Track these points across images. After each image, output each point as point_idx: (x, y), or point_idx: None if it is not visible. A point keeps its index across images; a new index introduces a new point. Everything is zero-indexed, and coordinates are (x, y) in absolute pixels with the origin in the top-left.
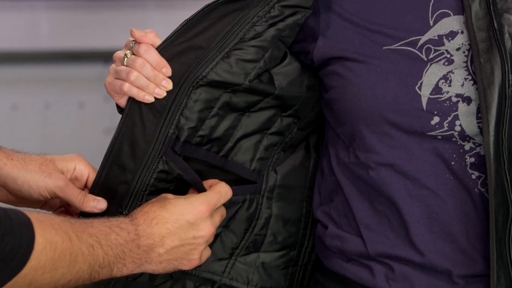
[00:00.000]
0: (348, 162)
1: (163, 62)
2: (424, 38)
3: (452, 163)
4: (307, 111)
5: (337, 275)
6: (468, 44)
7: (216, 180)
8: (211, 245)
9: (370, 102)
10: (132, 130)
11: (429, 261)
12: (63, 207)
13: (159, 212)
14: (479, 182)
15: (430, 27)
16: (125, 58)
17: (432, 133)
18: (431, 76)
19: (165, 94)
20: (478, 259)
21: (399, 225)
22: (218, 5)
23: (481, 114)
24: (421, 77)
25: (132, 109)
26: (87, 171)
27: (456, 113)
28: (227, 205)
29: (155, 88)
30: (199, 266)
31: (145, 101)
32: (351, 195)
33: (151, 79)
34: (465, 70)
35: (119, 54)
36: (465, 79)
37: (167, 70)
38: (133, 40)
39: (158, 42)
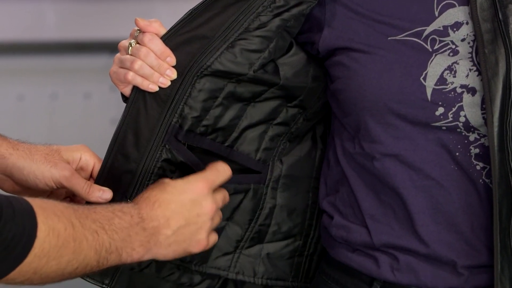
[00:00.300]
0: (353, 153)
1: (168, 51)
2: (429, 29)
3: (457, 154)
4: (313, 102)
5: (343, 265)
6: (473, 35)
7: (215, 162)
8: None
9: (375, 92)
10: (136, 119)
11: (434, 251)
12: (68, 198)
13: (160, 195)
14: (484, 173)
15: (435, 18)
16: (130, 47)
17: (437, 123)
18: (436, 67)
19: (169, 83)
20: (482, 250)
21: (403, 215)
22: None
23: (485, 105)
24: (426, 68)
25: (137, 98)
26: (92, 161)
27: (461, 104)
28: (231, 192)
29: (159, 77)
30: (206, 261)
31: (149, 90)
32: (357, 186)
33: (155, 68)
34: (470, 61)
35: (124, 43)
36: (470, 70)
37: (172, 59)
38: (138, 30)
39: (162, 31)
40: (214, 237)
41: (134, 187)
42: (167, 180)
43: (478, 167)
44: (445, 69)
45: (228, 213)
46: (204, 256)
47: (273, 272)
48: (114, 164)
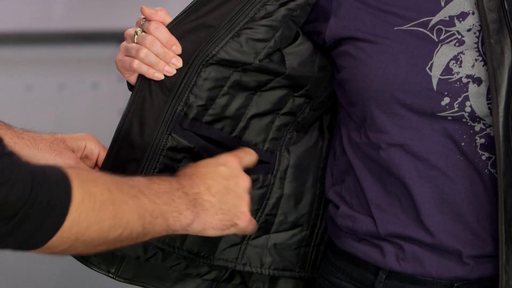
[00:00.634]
0: (359, 143)
1: (173, 39)
2: (435, 19)
3: (462, 144)
4: (319, 92)
5: (348, 255)
6: (479, 25)
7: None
8: None
9: (381, 82)
10: (141, 107)
11: (439, 241)
12: None
13: (195, 169)
14: (489, 163)
15: (441, 8)
16: (136, 36)
17: (443, 113)
18: (442, 57)
19: (174, 71)
20: (488, 240)
21: (409, 205)
22: None
23: (491, 95)
24: (431, 58)
25: (142, 87)
26: (97, 150)
27: (467, 94)
28: None
29: (164, 66)
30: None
31: (155, 78)
32: (363, 176)
33: (160, 56)
34: (476, 51)
35: (130, 31)
36: (476, 60)
37: (177, 47)
38: (143, 18)
39: (168, 20)
40: (255, 221)
41: (139, 175)
42: (197, 162)
43: (483, 157)
44: (451, 59)
45: None
46: (211, 247)
47: (280, 262)
48: (119, 153)
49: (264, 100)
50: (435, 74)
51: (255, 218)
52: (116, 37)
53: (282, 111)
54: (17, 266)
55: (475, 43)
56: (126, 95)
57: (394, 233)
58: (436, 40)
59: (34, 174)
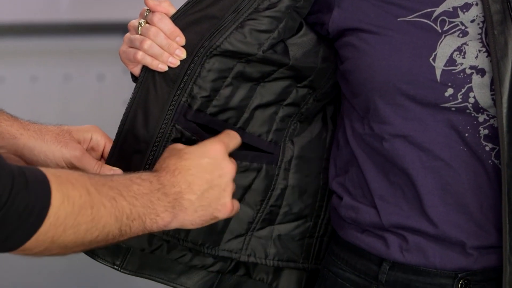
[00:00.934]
0: (362, 134)
1: (177, 31)
2: (438, 10)
3: (466, 135)
4: (323, 82)
5: (352, 246)
6: (483, 16)
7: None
8: (227, 221)
9: (385, 73)
10: (146, 98)
11: (443, 232)
12: None
13: (178, 162)
14: (493, 154)
15: None
16: (139, 27)
17: (446, 104)
18: (445, 48)
19: (178, 63)
20: (492, 231)
21: (413, 196)
22: None
23: (494, 86)
24: (435, 49)
25: (146, 78)
26: (103, 142)
27: (470, 85)
28: (243, 170)
29: (168, 57)
30: (218, 244)
31: (159, 70)
32: (366, 166)
33: (164, 47)
34: (480, 42)
35: (134, 23)
36: (479, 51)
37: (181, 39)
38: (147, 9)
39: (172, 11)
40: (237, 204)
41: (144, 167)
42: (181, 146)
43: (487, 148)
44: (455, 50)
45: (239, 194)
46: (216, 239)
47: (284, 253)
48: (124, 144)
49: (267, 91)
50: (439, 65)
51: (259, 209)
52: (121, 28)
53: (286, 102)
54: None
55: (478, 34)
56: (131, 86)
57: (398, 224)
58: (440, 31)
59: (14, 176)
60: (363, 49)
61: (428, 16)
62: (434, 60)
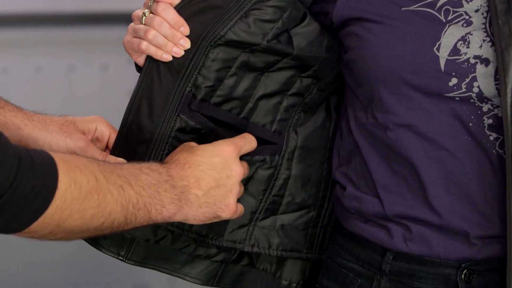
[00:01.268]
0: (366, 123)
1: (181, 21)
2: (442, 0)
3: (470, 124)
4: (327, 72)
5: (355, 236)
6: (487, 6)
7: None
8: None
9: (389, 63)
10: (150, 88)
11: (447, 222)
12: None
13: (190, 157)
14: (497, 143)
15: None
16: (144, 17)
17: (450, 94)
18: (450, 37)
19: (183, 53)
20: (495, 221)
21: (416, 186)
22: None
23: (498, 75)
24: (439, 39)
25: (150, 68)
26: (108, 132)
27: (474, 74)
28: (245, 160)
29: (173, 47)
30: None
31: (163, 60)
32: (369, 156)
33: (169, 37)
34: (484, 32)
35: (138, 12)
36: (484, 40)
37: (185, 29)
38: None
39: (176, 1)
40: (241, 207)
41: (148, 158)
42: (194, 144)
43: (491, 138)
44: (459, 40)
45: (243, 184)
46: (220, 229)
47: (288, 243)
48: (128, 135)
49: (272, 81)
50: (443, 54)
51: (262, 199)
52: (126, 19)
53: (290, 92)
54: (24, 246)
55: (482, 23)
56: (135, 76)
57: (401, 214)
58: (444, 20)
59: (20, 157)
60: (367, 39)
61: (432, 5)
62: (438, 49)
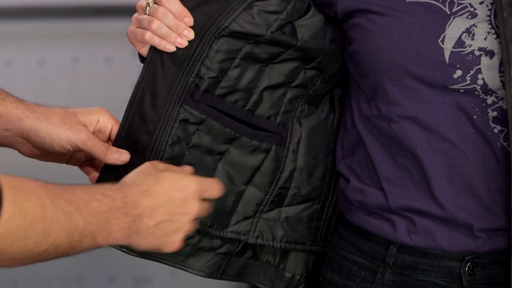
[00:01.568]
0: (370, 115)
1: (185, 11)
2: None
3: (475, 117)
4: (331, 64)
5: (359, 229)
6: None
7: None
8: (236, 203)
9: (393, 54)
10: (153, 79)
11: (450, 214)
12: (88, 161)
13: (153, 185)
14: (502, 136)
15: None
16: (148, 7)
17: (455, 86)
18: (454, 29)
19: (186, 43)
20: (499, 213)
21: (420, 178)
22: None
23: (503, 68)
24: (444, 31)
25: (154, 58)
26: (110, 123)
27: (479, 66)
28: (253, 149)
29: (176, 38)
30: (227, 226)
31: (167, 50)
32: (373, 148)
33: (172, 28)
34: (488, 24)
35: (142, 3)
36: (488, 32)
37: (189, 19)
38: None
39: None
40: (182, 245)
41: (152, 148)
42: (161, 167)
43: (495, 130)
44: (463, 32)
45: (248, 175)
46: (224, 221)
47: (292, 235)
48: (131, 126)
49: (276, 73)
50: (447, 46)
51: (267, 191)
52: (129, 11)
53: (294, 84)
54: None
55: (487, 15)
56: (138, 69)
57: (405, 207)
58: (449, 12)
59: None
60: (372, 30)
61: None
62: (442, 41)
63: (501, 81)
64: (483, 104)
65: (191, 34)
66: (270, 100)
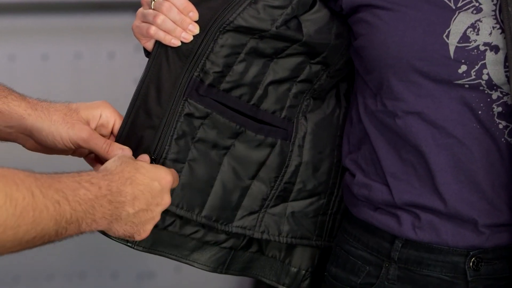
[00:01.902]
0: (375, 110)
1: (190, 6)
2: None
3: (479, 112)
4: (336, 59)
5: (364, 224)
6: None
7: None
8: (241, 198)
9: (398, 49)
10: (158, 73)
11: (455, 210)
12: (92, 154)
13: (133, 173)
14: (506, 131)
15: None
16: (153, 2)
17: (459, 81)
18: (459, 24)
19: (191, 38)
20: (504, 209)
21: (425, 173)
22: None
23: (508, 63)
24: (449, 26)
25: (159, 53)
26: (113, 118)
27: (484, 61)
28: (258, 143)
29: (181, 32)
30: (232, 221)
31: (172, 45)
32: (378, 144)
33: (177, 22)
34: (493, 19)
35: None
36: (493, 27)
37: (194, 14)
38: None
39: None
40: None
41: (157, 142)
42: (139, 161)
43: (500, 126)
44: (468, 27)
45: (254, 170)
46: (229, 215)
47: (298, 230)
48: (136, 120)
49: (281, 67)
50: (452, 41)
51: (273, 186)
52: (132, 6)
53: (299, 79)
54: None
55: (492, 10)
56: (142, 64)
57: (410, 202)
58: (454, 7)
59: None
60: (377, 25)
61: None
62: (447, 36)
63: (506, 76)
64: (488, 100)
65: (196, 29)
66: (275, 94)
